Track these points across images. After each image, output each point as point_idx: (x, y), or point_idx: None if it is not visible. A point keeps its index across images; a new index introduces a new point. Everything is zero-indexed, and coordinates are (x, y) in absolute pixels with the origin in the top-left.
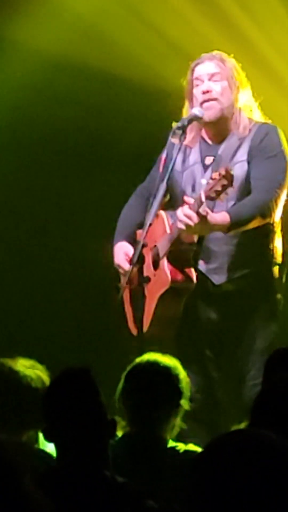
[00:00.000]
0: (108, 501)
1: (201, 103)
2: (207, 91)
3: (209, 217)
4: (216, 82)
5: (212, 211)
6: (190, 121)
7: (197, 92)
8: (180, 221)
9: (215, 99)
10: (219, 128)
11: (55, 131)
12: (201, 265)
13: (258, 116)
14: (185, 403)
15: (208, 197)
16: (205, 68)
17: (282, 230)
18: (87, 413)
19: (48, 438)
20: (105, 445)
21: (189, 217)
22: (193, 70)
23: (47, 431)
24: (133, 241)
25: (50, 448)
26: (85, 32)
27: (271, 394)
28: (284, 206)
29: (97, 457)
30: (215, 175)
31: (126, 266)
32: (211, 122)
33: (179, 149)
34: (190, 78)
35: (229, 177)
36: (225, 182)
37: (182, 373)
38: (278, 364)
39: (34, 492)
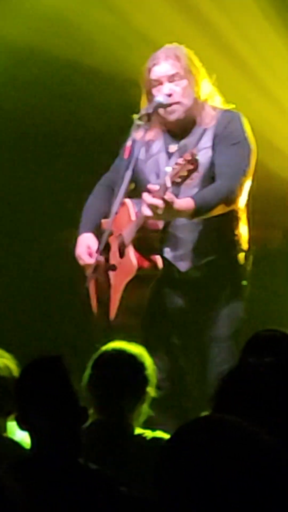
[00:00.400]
0: (82, 488)
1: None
2: (169, 95)
3: (174, 203)
4: (176, 82)
5: (177, 197)
6: (156, 107)
7: (157, 93)
8: (146, 207)
9: (177, 103)
10: (183, 124)
11: (19, 122)
12: (167, 252)
13: (219, 102)
14: (151, 390)
15: (173, 183)
16: (162, 69)
17: (247, 216)
18: (60, 400)
19: (21, 426)
20: (78, 432)
21: (155, 205)
22: (150, 71)
23: (20, 419)
24: (98, 231)
25: (18, 436)
26: (49, 20)
27: (236, 379)
28: (249, 193)
29: (71, 444)
30: (180, 160)
31: (86, 258)
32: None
33: (144, 138)
34: (147, 78)
35: (194, 162)
36: (190, 167)
37: (148, 360)
38: (252, 349)
39: (5, 480)
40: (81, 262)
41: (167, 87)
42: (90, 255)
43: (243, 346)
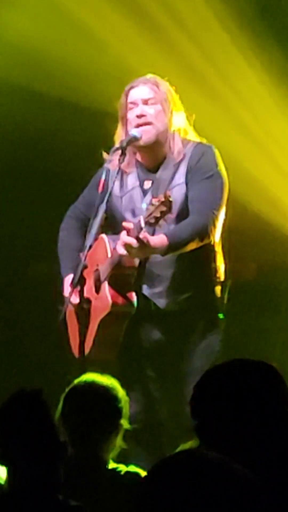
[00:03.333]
0: None
1: (136, 127)
2: (142, 115)
3: (149, 242)
4: (150, 106)
5: (152, 235)
6: (129, 142)
7: (131, 116)
8: (121, 245)
9: (149, 123)
10: (154, 153)
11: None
12: (145, 289)
13: (193, 136)
14: (124, 423)
15: (147, 223)
16: (139, 92)
17: (222, 249)
18: (40, 435)
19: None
20: (57, 467)
21: (129, 244)
22: (127, 94)
23: None
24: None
25: None
26: (25, 53)
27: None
28: (224, 225)
29: (49, 480)
30: (154, 201)
31: (73, 299)
32: (146, 146)
33: (117, 172)
34: (124, 102)
35: (168, 203)
36: (163, 208)
37: (121, 392)
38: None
39: None
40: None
41: (140, 109)
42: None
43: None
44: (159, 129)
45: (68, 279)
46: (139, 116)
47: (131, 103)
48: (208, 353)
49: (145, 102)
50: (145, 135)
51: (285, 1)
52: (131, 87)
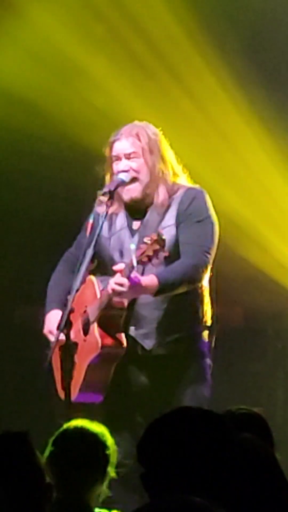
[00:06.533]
0: None
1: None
2: (124, 171)
3: (140, 282)
4: (132, 160)
5: (142, 275)
6: (116, 186)
7: (116, 168)
8: (113, 289)
9: (136, 179)
10: (142, 201)
11: None
12: (132, 330)
13: (183, 180)
14: (111, 471)
15: (140, 262)
16: (121, 146)
17: (210, 293)
18: (25, 477)
19: None
20: (43, 510)
21: (121, 285)
22: (111, 147)
23: None
24: (63, 308)
25: None
26: (11, 97)
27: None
28: (212, 271)
29: None
30: (147, 240)
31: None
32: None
33: (106, 215)
34: (109, 154)
35: (161, 242)
36: (156, 246)
37: (110, 440)
38: None
39: None
40: (51, 337)
41: (123, 164)
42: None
43: None
44: (145, 182)
45: (51, 314)
46: (121, 171)
47: (115, 156)
48: (197, 398)
49: (128, 156)
50: (132, 193)
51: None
52: (115, 140)
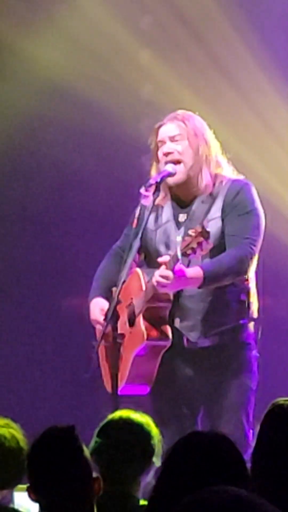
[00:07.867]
0: None
1: (166, 163)
2: (168, 153)
3: (185, 274)
4: (177, 142)
5: (187, 267)
6: (163, 177)
7: (160, 153)
8: (157, 281)
9: (179, 161)
10: (187, 188)
11: (21, 190)
12: (177, 322)
13: (230, 171)
14: (156, 461)
15: (184, 254)
16: (166, 130)
17: (256, 285)
18: (73, 471)
19: (32, 498)
20: (91, 503)
21: (165, 277)
22: (157, 132)
23: (31, 491)
24: (109, 298)
25: (25, 508)
26: (57, 88)
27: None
28: (258, 261)
29: None
30: (191, 232)
31: (102, 321)
32: (178, 184)
33: (152, 207)
34: (155, 140)
35: (205, 234)
36: (201, 239)
37: (154, 430)
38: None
39: None
40: (97, 326)
41: (167, 146)
42: (105, 318)
43: (264, 416)
44: (188, 165)
45: (94, 302)
46: (166, 154)
47: (160, 141)
48: (242, 391)
49: (172, 139)
50: (176, 175)
51: None
52: (160, 125)
